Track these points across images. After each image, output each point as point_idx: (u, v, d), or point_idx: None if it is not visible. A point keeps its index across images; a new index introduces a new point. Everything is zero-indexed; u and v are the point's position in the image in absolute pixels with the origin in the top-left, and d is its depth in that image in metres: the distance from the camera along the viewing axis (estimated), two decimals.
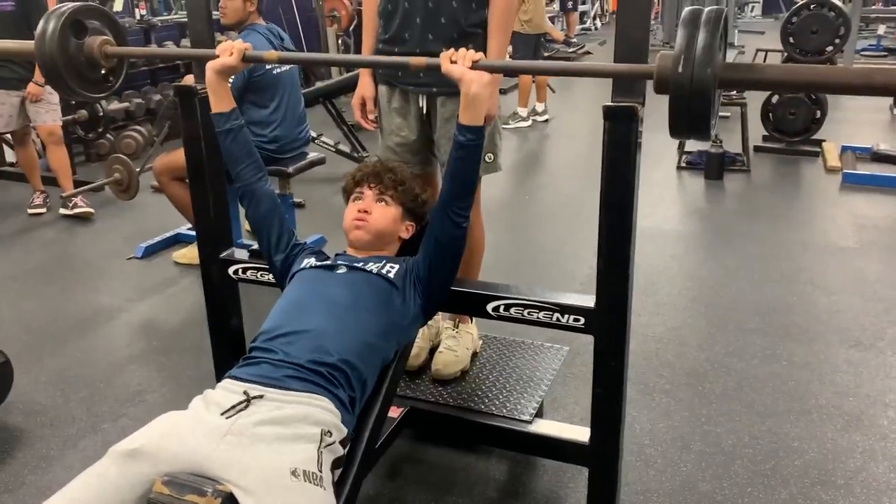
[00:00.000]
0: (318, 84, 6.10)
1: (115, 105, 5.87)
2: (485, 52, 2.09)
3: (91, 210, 4.51)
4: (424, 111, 2.17)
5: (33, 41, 1.72)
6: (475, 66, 1.56)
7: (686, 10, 1.22)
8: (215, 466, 1.36)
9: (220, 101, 1.82)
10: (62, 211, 4.56)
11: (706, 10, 1.20)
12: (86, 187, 4.53)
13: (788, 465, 2.22)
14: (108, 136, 5.61)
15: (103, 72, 1.86)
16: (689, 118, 1.16)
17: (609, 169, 1.62)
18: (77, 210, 4.48)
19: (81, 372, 2.83)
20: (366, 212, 1.83)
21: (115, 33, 1.84)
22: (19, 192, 4.99)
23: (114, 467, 1.38)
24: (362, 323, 1.64)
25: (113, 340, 3.10)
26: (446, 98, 2.10)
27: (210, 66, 1.77)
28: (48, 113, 4.42)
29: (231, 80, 3.31)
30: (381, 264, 1.77)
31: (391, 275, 1.75)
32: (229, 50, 1.74)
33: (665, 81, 1.18)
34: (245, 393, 1.47)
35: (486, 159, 2.21)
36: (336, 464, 1.49)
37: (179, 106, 2.03)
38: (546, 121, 7.03)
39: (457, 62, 1.57)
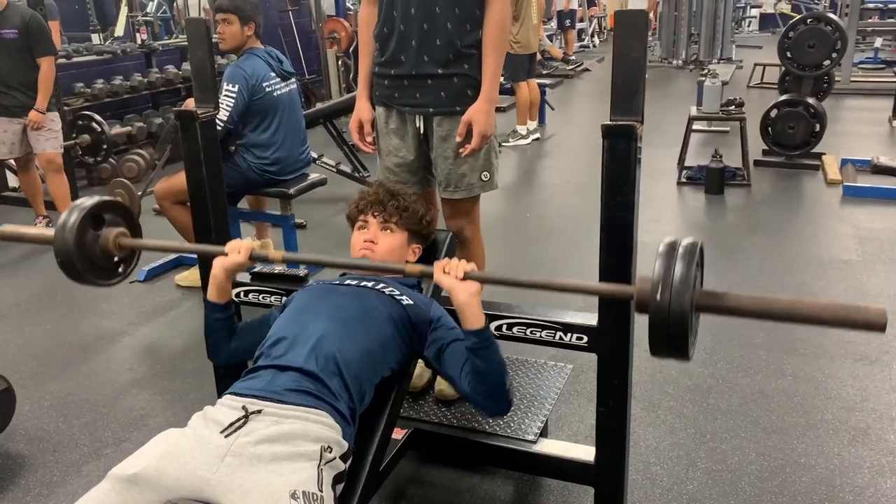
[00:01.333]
0: (319, 105, 6.14)
1: (117, 129, 5.90)
2: (479, 71, 2.11)
3: None
4: (422, 131, 2.18)
5: (53, 230, 1.72)
6: (466, 276, 1.55)
7: (663, 243, 1.25)
8: (217, 492, 1.35)
9: (221, 294, 1.78)
10: None
11: (682, 243, 1.24)
12: None
13: (796, 481, 2.20)
14: (110, 160, 5.64)
15: (115, 261, 1.86)
16: (668, 340, 1.22)
17: (609, 187, 1.63)
18: None
19: (84, 397, 2.82)
20: (372, 241, 1.82)
21: (129, 224, 1.85)
22: (22, 217, 5.00)
23: (113, 493, 1.37)
24: (367, 329, 1.63)
25: (115, 364, 3.09)
26: (443, 118, 2.12)
27: (219, 263, 1.73)
28: (48, 141, 4.44)
29: (231, 106, 3.36)
30: (393, 289, 1.75)
31: (404, 302, 1.72)
32: (237, 248, 1.70)
33: (645, 305, 1.24)
34: (244, 408, 1.46)
35: (483, 178, 2.22)
36: (338, 479, 1.48)
37: (180, 130, 2.05)
38: (538, 139, 7.05)
39: (448, 273, 1.56)
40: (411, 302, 1.74)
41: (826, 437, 2.40)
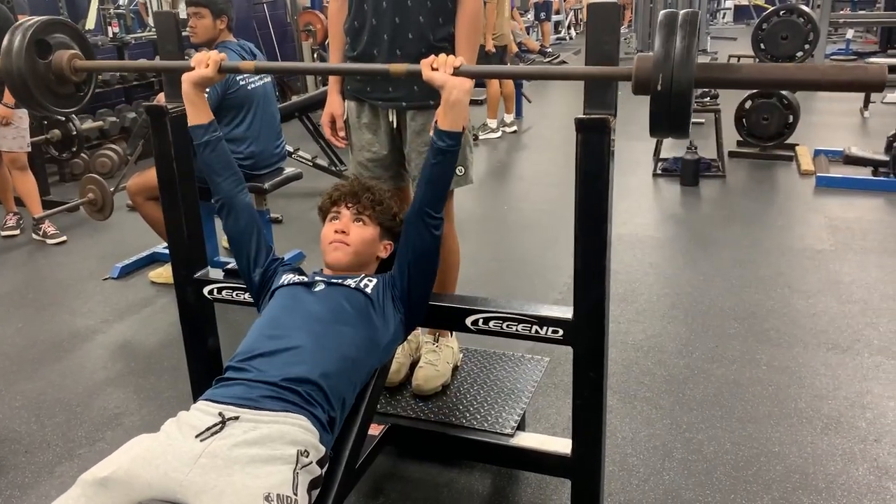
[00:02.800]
0: (294, 98, 6.09)
1: (88, 124, 5.81)
2: None
3: (63, 238, 4.43)
4: (395, 126, 2.17)
5: None
6: (456, 72, 1.57)
7: (662, 13, 1.25)
8: (189, 494, 1.33)
9: (199, 113, 1.81)
10: (34, 235, 4.50)
11: (681, 13, 1.23)
12: (60, 208, 4.48)
13: (770, 470, 2.23)
14: (82, 155, 5.55)
15: (73, 86, 1.83)
16: (670, 118, 1.20)
17: (583, 180, 1.63)
18: (49, 240, 4.41)
19: (57, 396, 2.78)
20: (343, 232, 1.81)
21: (82, 46, 1.82)
22: None
23: (84, 498, 1.34)
24: (341, 338, 1.63)
25: (89, 363, 3.05)
26: (416, 112, 2.10)
27: (186, 78, 1.75)
28: (14, 139, 4.34)
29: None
30: (359, 279, 1.76)
31: (368, 289, 1.73)
32: (205, 61, 1.73)
33: (645, 83, 1.22)
34: (220, 414, 1.45)
35: (458, 172, 2.21)
36: (314, 484, 1.47)
37: (150, 125, 2.02)
38: (514, 132, 7.05)
39: (438, 69, 1.58)
40: (374, 283, 1.76)
41: (799, 426, 2.43)
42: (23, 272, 4.11)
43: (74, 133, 5.20)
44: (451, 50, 2.08)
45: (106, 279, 3.87)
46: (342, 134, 2.24)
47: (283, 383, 1.51)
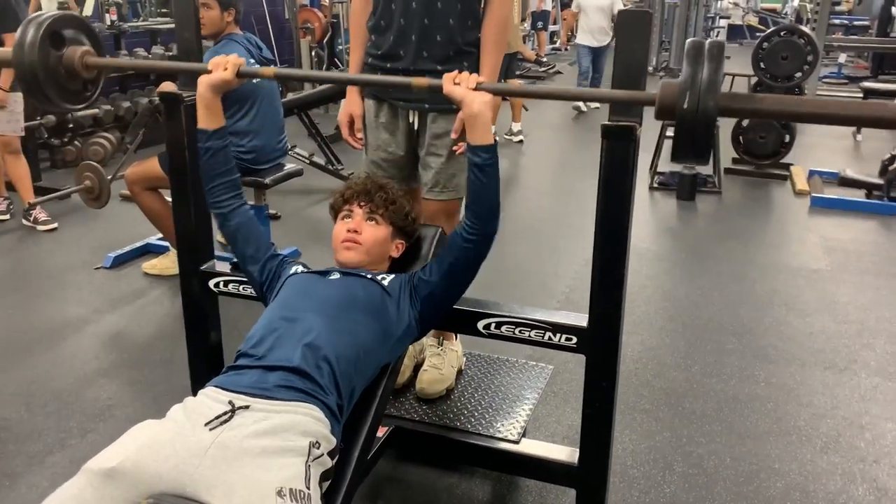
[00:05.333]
0: (291, 95, 6.04)
1: (83, 111, 5.73)
2: (478, 71, 2.08)
3: (54, 225, 4.36)
4: (414, 127, 2.14)
5: (11, 48, 1.65)
6: (477, 88, 1.57)
7: (689, 42, 1.27)
8: (200, 487, 1.30)
9: (212, 118, 1.76)
10: (24, 221, 4.42)
11: (708, 43, 1.24)
12: (55, 194, 4.41)
13: (770, 486, 2.23)
14: (75, 142, 5.49)
15: (82, 83, 1.80)
16: (693, 145, 1.21)
17: (605, 188, 1.62)
18: (39, 226, 4.34)
19: (48, 385, 2.73)
20: (356, 231, 1.78)
21: (93, 42, 1.79)
22: None
23: (90, 488, 1.30)
24: (355, 324, 1.60)
25: (81, 353, 3.00)
26: (438, 115, 2.08)
27: (204, 81, 1.71)
28: (8, 123, 4.26)
29: None
30: (375, 273, 1.74)
31: (385, 282, 1.71)
32: (223, 64, 1.70)
33: (669, 110, 1.22)
34: (230, 403, 1.41)
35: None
36: (324, 476, 1.44)
37: (164, 113, 1.99)
38: (521, 141, 7.06)
39: (459, 84, 1.57)
40: (391, 277, 1.74)
41: (799, 444, 2.43)
42: (13, 259, 4.04)
43: (69, 119, 5.14)
44: (477, 55, 2.06)
45: (98, 269, 3.81)
46: (360, 135, 2.20)
47: (296, 367, 1.47)
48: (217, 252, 3.62)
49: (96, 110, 5.89)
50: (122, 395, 2.69)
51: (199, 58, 2.00)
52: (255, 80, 3.42)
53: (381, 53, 2.08)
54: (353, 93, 2.19)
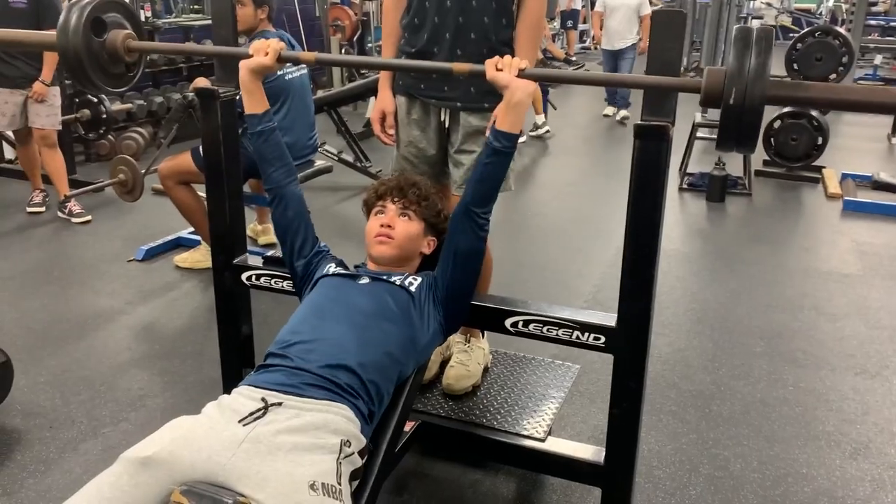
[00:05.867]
0: (321, 93, 6.09)
1: (117, 106, 5.83)
2: None
3: (88, 217, 4.44)
4: (446, 125, 2.16)
5: (55, 32, 1.69)
6: (521, 74, 1.58)
7: (736, 28, 1.26)
8: (232, 478, 1.32)
9: (255, 102, 1.81)
10: (59, 213, 4.51)
11: (756, 28, 1.22)
12: (90, 187, 4.49)
13: (798, 491, 2.21)
14: (108, 136, 5.58)
15: (125, 66, 1.83)
16: (739, 132, 1.20)
17: (637, 188, 1.62)
18: (74, 219, 4.42)
19: (82, 374, 2.78)
20: (389, 226, 1.80)
21: (134, 26, 1.82)
22: (18, 189, 4.94)
23: (126, 476, 1.34)
24: (384, 334, 1.62)
25: (113, 343, 3.06)
26: (470, 113, 2.09)
27: (245, 66, 1.75)
28: (48, 117, 4.35)
29: (240, 94, 3.33)
30: (403, 277, 1.75)
31: (412, 287, 1.73)
32: (264, 49, 1.73)
33: (715, 96, 1.21)
34: (263, 399, 1.44)
35: None
36: (354, 475, 1.46)
37: (200, 108, 2.02)
38: (547, 132, 7.04)
39: (503, 70, 1.59)
40: (419, 280, 1.76)
41: (827, 449, 2.41)
42: (48, 250, 4.12)
43: (104, 114, 5.22)
44: (511, 53, 2.07)
45: (131, 261, 3.87)
46: (392, 131, 2.22)
47: (323, 373, 1.50)
48: (249, 247, 3.69)
49: (129, 105, 5.99)
50: (153, 385, 2.73)
51: (236, 67, 2.03)
52: (287, 77, 3.47)
53: (414, 51, 2.10)
54: (384, 90, 2.21)
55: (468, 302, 1.81)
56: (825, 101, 1.24)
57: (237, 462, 1.34)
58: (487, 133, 2.01)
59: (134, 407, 2.58)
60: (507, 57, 1.60)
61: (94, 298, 3.47)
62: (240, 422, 1.40)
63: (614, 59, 7.72)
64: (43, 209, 4.62)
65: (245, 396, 1.48)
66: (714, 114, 5.53)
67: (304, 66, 3.61)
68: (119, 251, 4.00)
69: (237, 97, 1.96)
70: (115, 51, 1.72)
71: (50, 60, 4.21)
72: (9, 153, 5.45)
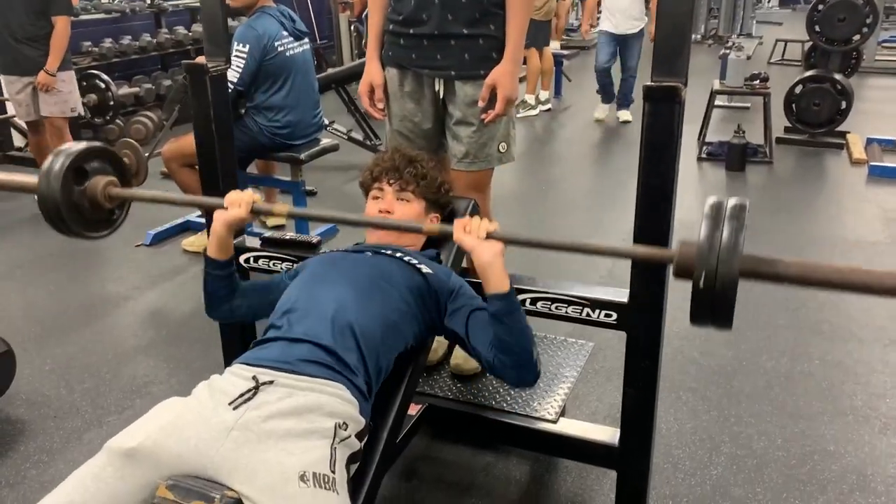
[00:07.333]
0: (330, 70, 5.99)
1: (124, 90, 5.78)
2: (504, 33, 1.98)
3: None
4: (441, 95, 2.06)
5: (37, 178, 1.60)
6: (489, 236, 1.44)
7: (708, 202, 1.16)
8: (221, 471, 1.26)
9: (222, 251, 1.67)
10: None
11: (729, 204, 1.14)
12: None
13: (825, 469, 2.11)
14: (117, 121, 5.53)
15: (106, 211, 1.74)
16: (712, 309, 1.12)
17: (648, 153, 1.52)
18: None
19: (87, 361, 2.74)
20: (388, 212, 1.72)
21: (119, 172, 1.73)
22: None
23: (110, 468, 1.28)
24: (387, 296, 1.53)
25: (120, 329, 3.01)
26: (465, 82, 1.99)
27: (219, 218, 1.61)
28: (56, 105, 4.26)
29: (242, 67, 3.24)
30: (409, 254, 1.66)
31: (424, 270, 1.63)
32: (237, 202, 1.58)
33: (687, 271, 1.12)
34: (254, 378, 1.37)
35: (500, 149, 2.10)
36: (352, 458, 1.39)
37: (189, 85, 1.94)
38: (549, 109, 6.90)
39: (470, 232, 1.45)
40: (431, 271, 1.64)
41: (856, 425, 2.30)
42: (56, 236, 4.06)
43: (110, 98, 5.17)
44: (503, 16, 1.96)
45: (139, 246, 3.83)
46: (381, 105, 2.13)
47: (324, 342, 1.42)
48: (255, 227, 3.63)
49: (137, 89, 5.93)
50: (158, 371, 2.69)
51: (225, 26, 1.95)
52: (287, 54, 3.39)
53: (402, 19, 2.00)
54: (372, 60, 2.12)
55: None
56: (798, 279, 1.14)
57: (226, 453, 1.27)
58: (481, 104, 1.91)
59: (139, 394, 2.54)
60: (476, 219, 1.46)
61: (101, 285, 3.43)
62: (230, 404, 1.33)
63: (616, 45, 6.17)
64: None
65: (236, 376, 1.40)
66: (733, 79, 5.37)
67: (305, 40, 3.52)
68: (127, 236, 3.94)
69: (228, 72, 1.88)
70: (95, 198, 1.64)
71: (57, 49, 4.09)
72: (18, 141, 5.41)
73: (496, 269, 1.46)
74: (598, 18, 6.33)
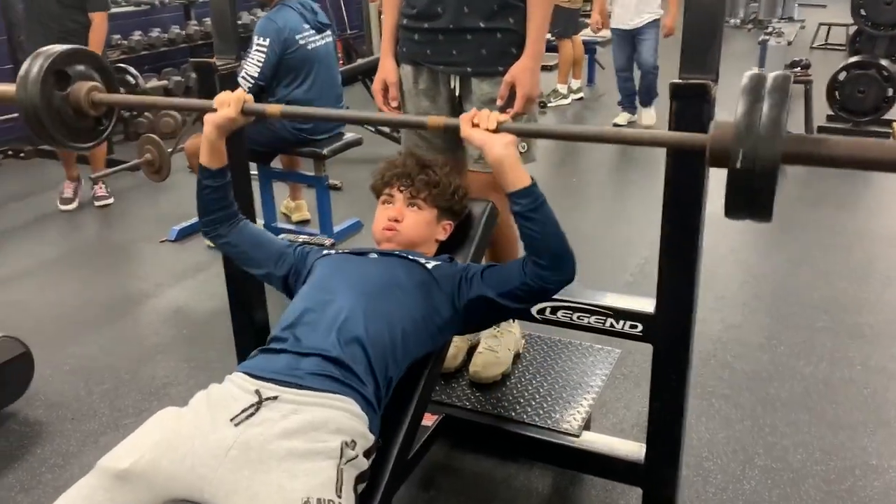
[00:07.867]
0: (359, 61, 5.93)
1: (153, 83, 5.78)
2: (524, 27, 1.88)
3: (109, 201, 4.36)
4: (457, 93, 1.97)
5: (14, 84, 1.54)
6: (499, 128, 1.37)
7: (747, 75, 1.04)
8: (219, 493, 1.20)
9: (214, 157, 1.61)
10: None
11: (771, 76, 1.02)
12: (116, 168, 4.40)
13: (867, 485, 2.00)
14: (146, 114, 5.53)
15: (93, 120, 1.68)
16: (750, 199, 1.01)
17: (675, 155, 1.41)
18: (96, 202, 4.34)
19: (107, 362, 2.72)
20: (396, 220, 1.64)
21: (104, 77, 1.67)
22: (54, 171, 4.91)
23: (101, 490, 1.23)
24: (393, 306, 1.46)
25: (141, 328, 2.99)
26: (483, 79, 1.90)
27: (209, 120, 1.56)
28: None
29: (262, 61, 3.19)
30: (418, 255, 1.59)
31: (430, 265, 1.56)
32: (226, 101, 1.54)
33: (723, 156, 1.01)
34: (257, 393, 1.31)
35: (521, 149, 2.00)
36: (360, 478, 1.32)
37: (197, 83, 1.88)
38: (581, 98, 6.75)
39: (479, 124, 1.38)
40: (437, 263, 1.58)
41: None
42: (81, 233, 4.10)
43: (138, 91, 5.16)
44: (524, 8, 1.87)
45: (163, 242, 3.81)
46: (395, 103, 2.05)
47: (330, 354, 1.35)
48: (280, 224, 3.59)
49: (166, 81, 5.93)
50: (178, 373, 2.66)
51: (233, 22, 1.89)
52: (309, 47, 3.33)
53: (416, 12, 1.91)
54: (386, 57, 2.04)
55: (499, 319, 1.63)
56: (845, 160, 1.03)
57: (224, 474, 1.21)
58: (499, 102, 1.83)
59: (157, 396, 2.51)
60: (485, 111, 1.39)
61: (125, 282, 3.42)
62: (231, 420, 1.27)
63: (630, 41, 5.61)
64: (73, 206, 4.43)
65: (238, 387, 1.34)
66: (772, 66, 5.18)
67: (328, 32, 3.45)
68: (151, 232, 3.94)
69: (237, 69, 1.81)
70: (78, 104, 1.58)
71: (95, 45, 3.97)
72: None
73: (512, 161, 1.40)
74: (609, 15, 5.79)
